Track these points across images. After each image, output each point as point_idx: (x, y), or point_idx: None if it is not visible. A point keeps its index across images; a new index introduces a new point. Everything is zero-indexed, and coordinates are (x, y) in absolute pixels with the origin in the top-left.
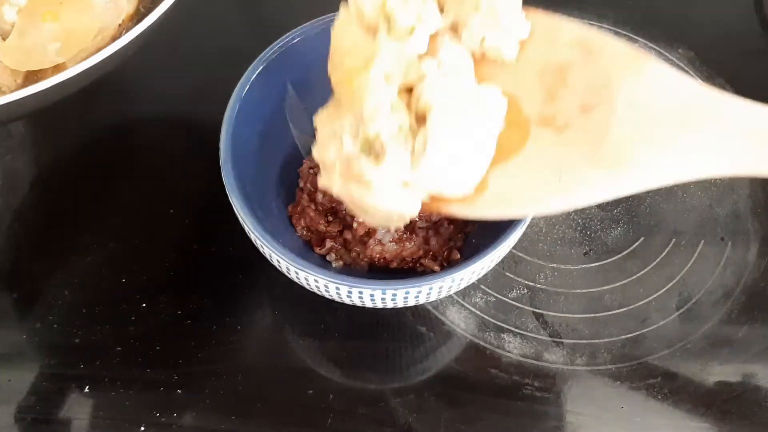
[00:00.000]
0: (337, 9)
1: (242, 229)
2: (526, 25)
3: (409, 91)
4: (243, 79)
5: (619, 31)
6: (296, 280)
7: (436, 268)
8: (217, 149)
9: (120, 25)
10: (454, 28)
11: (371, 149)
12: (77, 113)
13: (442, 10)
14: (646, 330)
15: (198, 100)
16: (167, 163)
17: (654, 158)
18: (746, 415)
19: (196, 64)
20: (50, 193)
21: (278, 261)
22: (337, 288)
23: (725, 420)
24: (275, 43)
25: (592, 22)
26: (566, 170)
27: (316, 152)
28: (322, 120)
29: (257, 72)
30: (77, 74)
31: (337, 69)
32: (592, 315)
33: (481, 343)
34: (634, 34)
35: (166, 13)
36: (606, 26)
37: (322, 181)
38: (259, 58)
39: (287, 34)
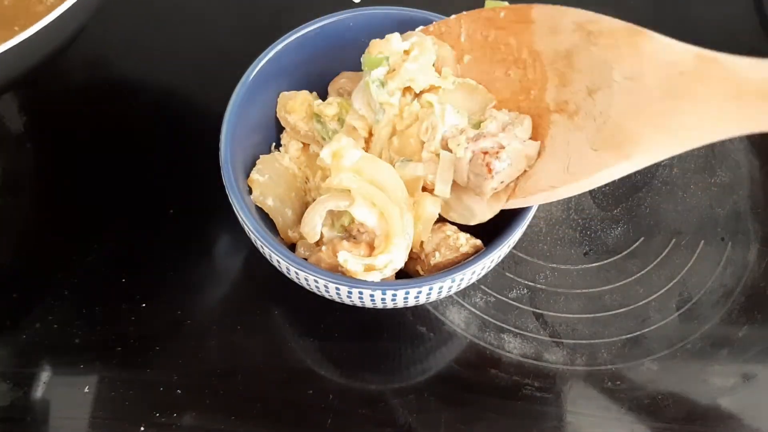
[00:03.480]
0: (335, 9)
1: (242, 229)
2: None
3: None
4: (243, 80)
5: None
6: (296, 280)
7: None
8: (217, 149)
9: None
10: None
11: (349, 233)
12: (77, 113)
13: None
14: (646, 330)
15: (198, 100)
16: (167, 163)
17: (652, 135)
18: (746, 416)
19: (195, 64)
20: (50, 193)
21: (278, 261)
22: (337, 288)
23: (725, 420)
24: (275, 43)
25: None
26: (574, 157)
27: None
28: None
29: (257, 72)
30: (55, 20)
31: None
32: (592, 315)
33: (481, 343)
34: None
35: None
36: None
37: (311, 260)
38: (258, 58)
39: (286, 35)
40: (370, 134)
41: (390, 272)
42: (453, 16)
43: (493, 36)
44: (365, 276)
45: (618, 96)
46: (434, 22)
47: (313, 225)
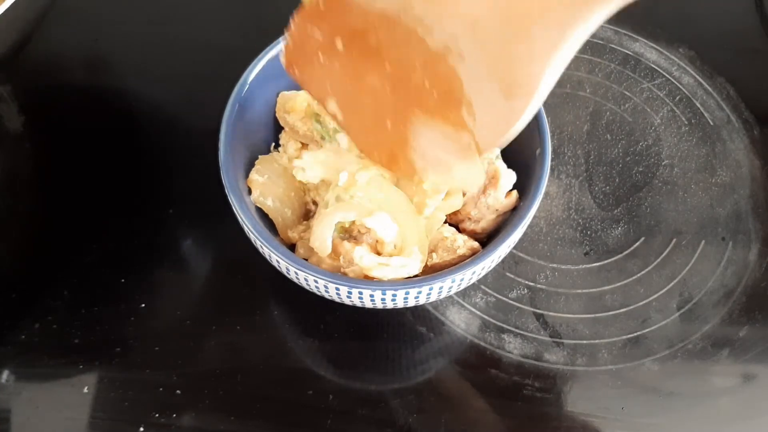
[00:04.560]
0: None
1: (242, 229)
2: None
3: None
4: (241, 80)
5: (620, 30)
6: (296, 280)
7: None
8: (217, 149)
9: None
10: None
11: (350, 234)
12: (76, 113)
13: None
14: (646, 330)
15: (197, 100)
16: (167, 163)
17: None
18: (746, 416)
19: (195, 64)
20: (49, 193)
21: (278, 261)
22: (337, 288)
23: (726, 420)
24: (274, 43)
25: None
26: (495, 82)
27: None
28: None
29: (255, 73)
30: None
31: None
32: (592, 315)
33: (482, 343)
34: (635, 33)
35: None
36: (606, 25)
37: (312, 260)
38: (258, 58)
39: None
40: None
41: (405, 274)
42: (291, 21)
43: (333, 23)
44: (379, 272)
45: (472, 43)
46: (282, 43)
47: (324, 239)
